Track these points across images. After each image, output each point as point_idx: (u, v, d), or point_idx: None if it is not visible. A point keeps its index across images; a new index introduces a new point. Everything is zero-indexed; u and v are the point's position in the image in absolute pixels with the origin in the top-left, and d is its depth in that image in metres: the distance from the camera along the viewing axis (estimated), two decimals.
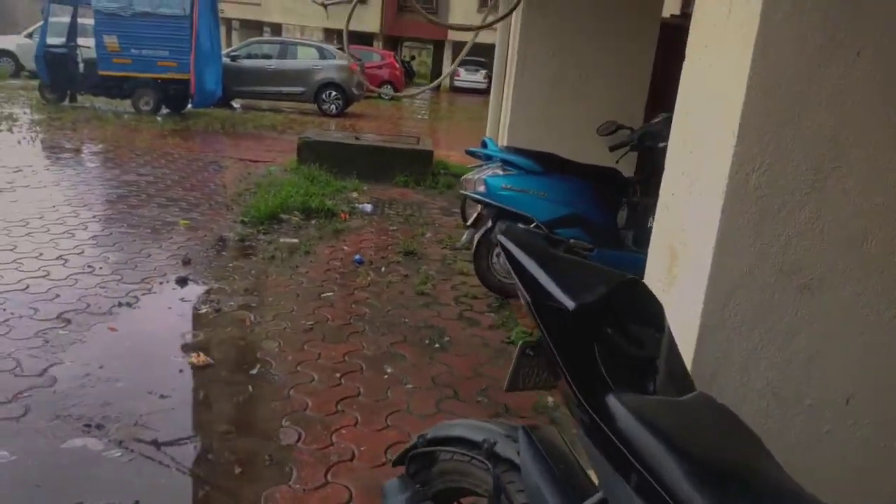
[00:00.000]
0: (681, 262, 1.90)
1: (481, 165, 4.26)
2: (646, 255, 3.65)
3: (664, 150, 3.97)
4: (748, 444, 1.08)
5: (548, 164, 4.04)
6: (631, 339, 1.20)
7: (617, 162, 4.39)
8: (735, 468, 0.97)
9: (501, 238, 1.38)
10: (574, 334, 1.15)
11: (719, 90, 1.72)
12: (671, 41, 5.42)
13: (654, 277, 2.05)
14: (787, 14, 1.58)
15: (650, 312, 1.25)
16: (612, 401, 1.07)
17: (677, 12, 6.91)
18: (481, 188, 4.06)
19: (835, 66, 1.62)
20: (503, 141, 4.57)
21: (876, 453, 1.87)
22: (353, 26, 26.19)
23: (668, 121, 4.04)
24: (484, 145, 4.54)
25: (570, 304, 1.15)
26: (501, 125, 5.03)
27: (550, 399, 3.06)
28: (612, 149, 4.26)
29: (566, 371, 1.14)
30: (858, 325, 1.79)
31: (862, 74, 1.62)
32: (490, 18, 5.00)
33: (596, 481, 1.29)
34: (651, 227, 3.94)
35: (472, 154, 4.47)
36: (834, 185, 1.69)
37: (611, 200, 4.22)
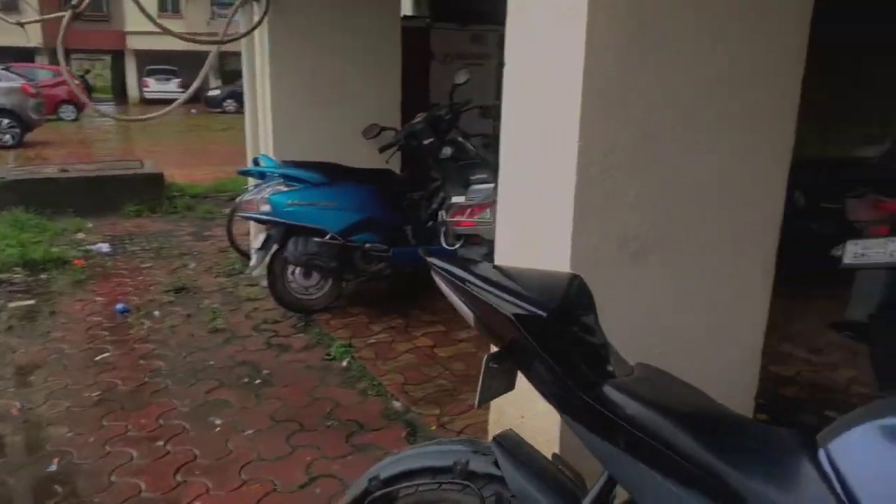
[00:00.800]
0: (539, 248, 2.06)
1: (258, 184, 4.03)
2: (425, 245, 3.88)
3: (429, 146, 4.24)
4: (696, 393, 1.26)
5: (331, 174, 3.99)
6: (586, 329, 1.30)
7: (387, 162, 4.52)
8: (706, 412, 1.15)
9: (436, 262, 1.38)
10: (554, 336, 1.20)
11: (555, 92, 1.91)
12: (413, 42, 5.74)
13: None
14: (609, 21, 1.81)
15: (588, 302, 1.36)
16: (610, 390, 1.15)
17: (409, 13, 7.27)
18: (266, 207, 3.86)
19: (649, 67, 1.90)
20: (270, 155, 4.38)
21: None
22: (8, 41, 21.82)
23: (431, 119, 4.33)
24: (256, 163, 4.30)
25: (543, 311, 1.19)
26: (262, 140, 4.80)
27: (398, 403, 3.08)
28: (381, 150, 4.37)
29: (558, 370, 1.19)
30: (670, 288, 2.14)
31: (667, 77, 1.94)
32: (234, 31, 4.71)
33: (569, 470, 1.39)
34: (427, 222, 4.18)
35: (244, 173, 4.20)
36: (652, 169, 2.00)
37: (393, 200, 4.33)
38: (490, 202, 3.72)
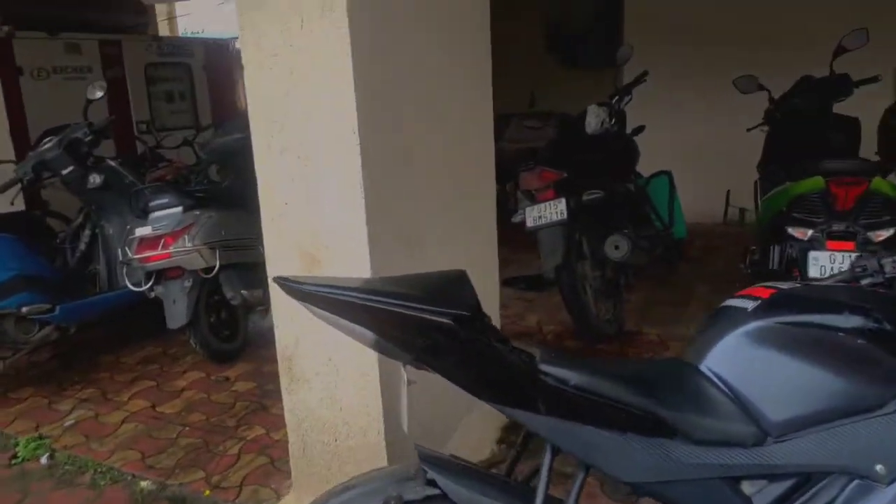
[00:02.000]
0: (325, 262, 1.98)
1: None
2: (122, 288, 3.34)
3: (70, 176, 3.58)
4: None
5: None
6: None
7: (12, 203, 3.69)
8: (623, 366, 1.33)
9: (310, 288, 1.25)
10: (487, 331, 1.21)
11: (325, 95, 1.84)
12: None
13: None
14: (370, 23, 1.82)
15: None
16: (546, 367, 1.23)
17: None
18: None
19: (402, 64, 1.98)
20: None
21: None
22: None
23: (67, 143, 3.63)
24: None
25: (468, 310, 1.20)
26: None
27: (147, 483, 2.59)
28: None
29: (509, 359, 1.20)
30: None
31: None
32: None
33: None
34: (119, 257, 3.57)
35: None
36: (419, 168, 2.11)
37: (43, 247, 3.54)
38: (185, 227, 3.34)
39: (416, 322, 1.17)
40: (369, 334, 1.24)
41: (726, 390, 1.25)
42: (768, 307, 1.30)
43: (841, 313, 1.25)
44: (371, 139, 1.87)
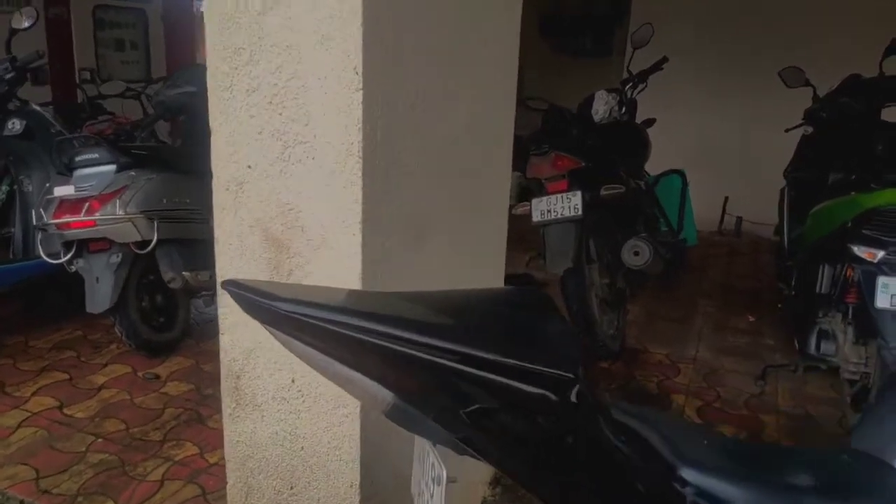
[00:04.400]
0: (297, 250, 1.43)
1: None
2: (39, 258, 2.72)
3: None
4: None
5: None
6: None
7: None
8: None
9: (288, 308, 0.71)
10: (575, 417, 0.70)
11: (318, 14, 1.28)
12: None
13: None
14: None
15: None
16: (694, 475, 0.73)
17: None
18: None
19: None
20: None
21: None
22: None
23: None
24: None
25: (547, 380, 0.68)
26: None
27: None
28: None
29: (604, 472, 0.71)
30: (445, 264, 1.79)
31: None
32: None
33: None
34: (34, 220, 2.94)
35: None
36: (433, 139, 1.56)
37: None
38: (117, 190, 2.72)
39: (483, 384, 0.64)
40: (385, 394, 0.71)
41: None
42: None
43: None
44: (378, 86, 1.32)
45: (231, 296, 0.75)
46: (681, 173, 3.80)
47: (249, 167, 1.44)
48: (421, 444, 0.76)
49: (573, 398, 0.65)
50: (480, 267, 2.07)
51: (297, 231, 1.43)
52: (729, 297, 4.10)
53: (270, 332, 0.76)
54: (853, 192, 2.37)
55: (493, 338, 0.70)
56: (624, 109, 3.79)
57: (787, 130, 3.42)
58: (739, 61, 5.38)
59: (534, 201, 2.84)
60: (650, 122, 3.98)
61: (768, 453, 0.83)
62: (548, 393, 0.65)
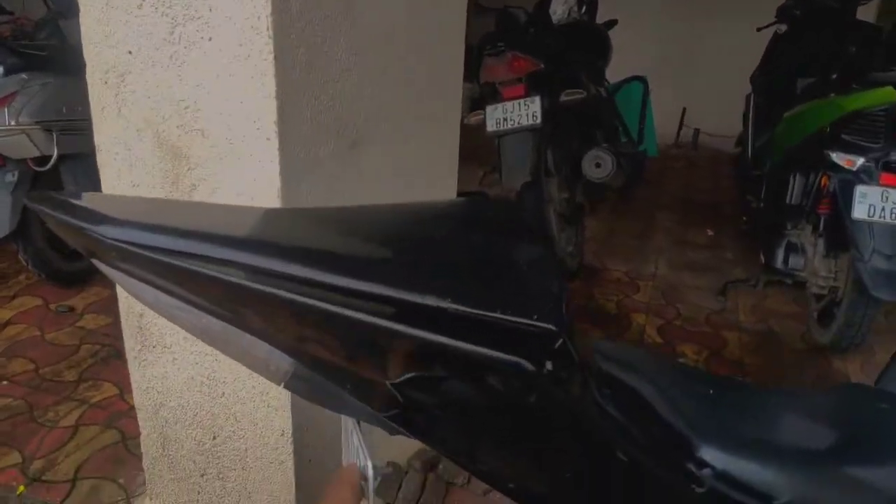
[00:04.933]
0: (197, 159, 1.15)
1: None
2: None
3: None
4: None
5: None
6: None
7: None
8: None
9: (128, 233, 0.46)
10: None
11: None
12: None
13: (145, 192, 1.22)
14: None
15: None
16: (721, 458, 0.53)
17: None
18: None
19: None
20: None
21: None
22: None
23: None
24: None
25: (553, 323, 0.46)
26: None
27: None
28: None
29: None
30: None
31: None
32: None
33: None
34: None
35: None
36: (367, 23, 1.26)
37: None
38: (5, 97, 2.32)
39: (420, 343, 0.41)
40: (281, 358, 0.47)
41: None
42: None
43: None
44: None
45: (40, 216, 0.50)
46: (642, 80, 3.57)
47: (130, 53, 1.13)
48: (345, 421, 0.54)
49: (553, 360, 0.43)
50: (429, 185, 1.81)
51: (196, 135, 1.14)
52: (688, 210, 3.98)
53: (103, 269, 0.51)
54: (832, 94, 2.18)
55: (434, 273, 0.47)
56: (584, 9, 3.49)
57: (759, 29, 3.19)
58: None
59: (488, 109, 2.57)
60: (612, 24, 3.70)
61: (794, 409, 0.64)
62: (517, 355, 0.42)
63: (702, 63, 5.29)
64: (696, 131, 5.29)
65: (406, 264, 0.47)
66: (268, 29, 1.02)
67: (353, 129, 1.31)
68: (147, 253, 0.43)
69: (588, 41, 3.32)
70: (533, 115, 2.51)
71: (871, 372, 2.28)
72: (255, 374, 1.27)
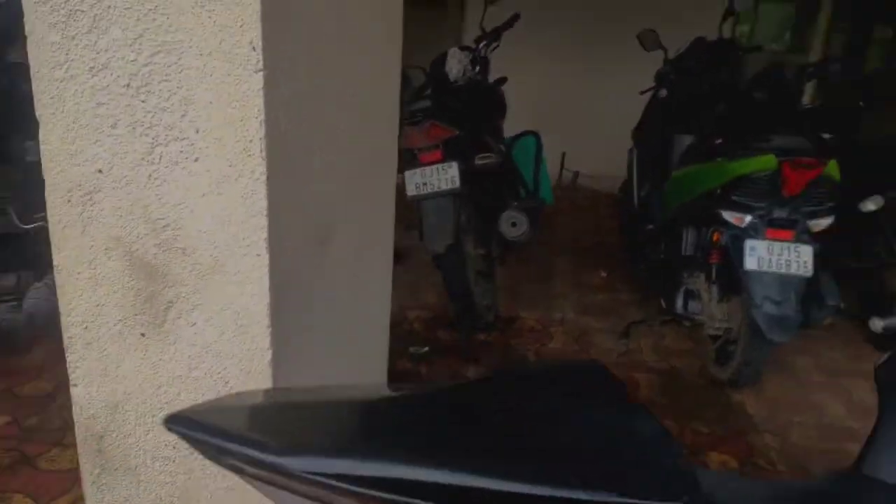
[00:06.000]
0: (177, 275, 1.11)
1: None
2: None
3: None
4: None
5: None
6: None
7: None
8: None
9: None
10: None
11: None
12: None
13: (107, 326, 1.15)
14: None
15: None
16: None
17: None
18: None
19: None
20: None
21: None
22: None
23: None
24: None
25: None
26: None
27: None
28: None
29: None
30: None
31: None
32: None
33: None
34: None
35: None
36: (335, 124, 1.28)
37: None
38: None
39: None
40: None
41: None
42: None
43: None
44: (280, 66, 1.03)
45: (189, 442, 0.48)
46: (535, 134, 3.79)
47: (101, 171, 1.07)
48: None
49: None
50: (374, 257, 1.83)
51: (176, 253, 1.10)
52: (579, 253, 4.24)
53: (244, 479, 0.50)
54: (719, 159, 2.46)
55: (575, 462, 0.51)
56: (478, 68, 3.67)
57: (641, 93, 3.51)
58: (583, 20, 5.51)
59: (407, 174, 2.63)
60: (502, 81, 3.90)
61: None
62: None
63: (580, 110, 5.70)
64: (576, 174, 5.66)
65: (550, 456, 0.51)
66: (261, 151, 1.02)
67: (322, 227, 1.32)
68: (337, 483, 0.44)
69: (486, 101, 3.48)
70: (451, 180, 2.60)
71: (765, 404, 2.56)
72: (234, 492, 1.23)
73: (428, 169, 2.62)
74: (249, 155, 1.03)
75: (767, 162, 2.22)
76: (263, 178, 1.04)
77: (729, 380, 2.57)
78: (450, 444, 0.50)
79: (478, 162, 2.70)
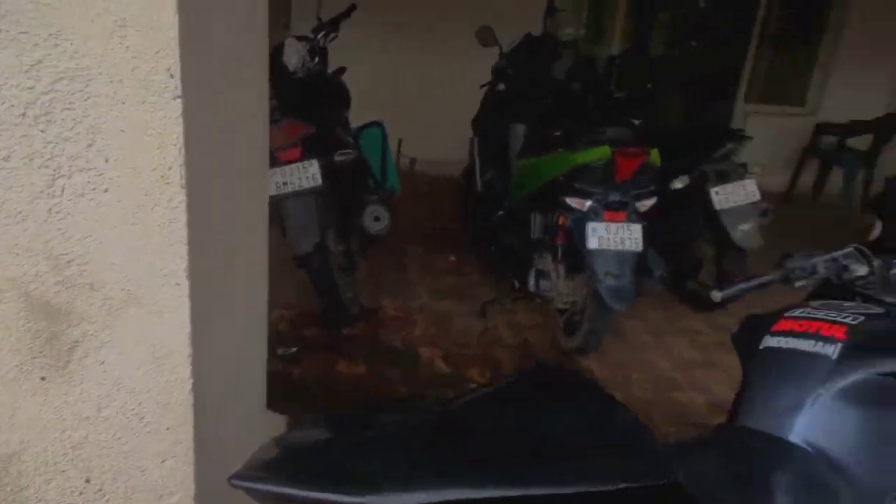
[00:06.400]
0: (82, 314, 1.05)
1: None
2: None
3: None
4: None
5: None
6: None
7: None
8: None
9: None
10: None
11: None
12: None
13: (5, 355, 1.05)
14: None
15: None
16: None
17: None
18: None
19: None
20: None
21: None
22: None
23: None
24: None
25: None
26: None
27: None
28: None
29: None
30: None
31: None
32: None
33: None
34: None
35: None
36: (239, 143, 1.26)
37: None
38: None
39: None
40: None
41: (836, 467, 0.98)
42: (855, 352, 1.05)
43: None
44: (197, 92, 1.00)
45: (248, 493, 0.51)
46: (380, 125, 3.85)
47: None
48: None
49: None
50: (259, 265, 1.80)
51: (82, 289, 1.03)
52: (426, 239, 4.40)
53: None
54: (560, 149, 2.71)
55: (573, 461, 0.62)
56: (317, 59, 3.63)
57: (482, 87, 3.70)
58: (417, 11, 5.61)
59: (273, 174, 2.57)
60: (342, 71, 3.91)
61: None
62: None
63: (414, 98, 5.84)
64: (413, 160, 5.81)
65: (550, 460, 0.61)
66: (180, 178, 1.00)
67: (227, 249, 1.30)
68: None
69: (331, 93, 3.47)
70: (313, 178, 2.59)
71: (607, 366, 2.90)
72: None
73: (288, 168, 2.58)
74: (167, 183, 0.99)
75: (603, 152, 2.51)
76: (183, 205, 1.01)
77: (577, 348, 2.87)
78: (497, 461, 0.58)
79: (337, 158, 2.71)
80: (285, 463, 0.54)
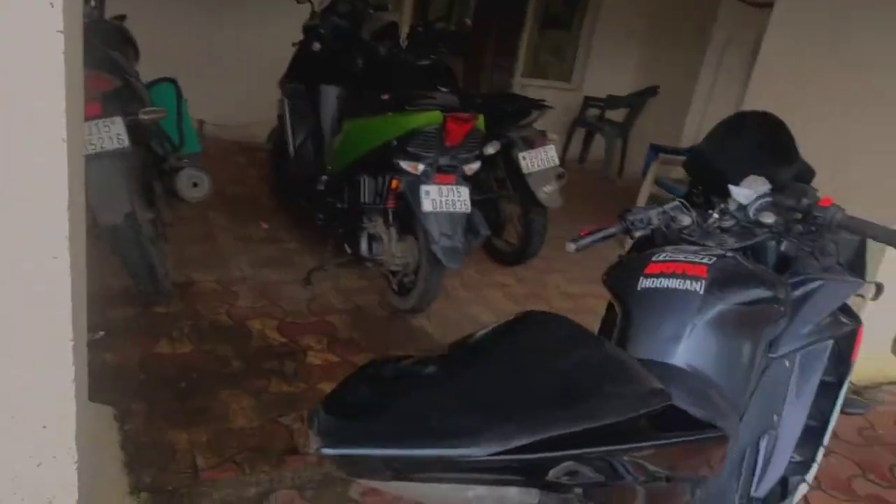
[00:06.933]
0: None
1: None
2: None
3: None
4: None
5: None
6: None
7: None
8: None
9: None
10: None
11: None
12: None
13: None
14: None
15: None
16: None
17: None
18: None
19: None
20: None
21: None
22: None
23: None
24: None
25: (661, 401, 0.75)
26: None
27: None
28: None
29: None
30: None
31: None
32: None
33: None
34: None
35: None
36: None
37: None
38: None
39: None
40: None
41: (712, 383, 1.17)
42: (716, 287, 1.24)
43: (764, 284, 1.29)
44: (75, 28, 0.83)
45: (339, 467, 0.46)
46: (173, 82, 3.49)
47: None
48: None
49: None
50: None
51: None
52: (232, 206, 4.12)
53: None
54: (389, 113, 2.71)
55: (581, 401, 0.67)
56: (94, 3, 3.17)
57: (294, 45, 3.52)
58: None
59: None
60: (122, 18, 3.47)
61: None
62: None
63: (200, 56, 5.34)
64: (201, 122, 5.34)
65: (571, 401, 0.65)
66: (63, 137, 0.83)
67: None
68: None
69: (116, 41, 3.06)
70: (118, 138, 2.27)
71: (437, 323, 3.02)
72: None
73: (87, 125, 2.23)
74: (55, 151, 0.82)
75: (435, 117, 2.56)
76: (65, 161, 0.84)
77: (412, 308, 2.94)
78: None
79: (143, 116, 2.41)
80: (373, 423, 0.50)
